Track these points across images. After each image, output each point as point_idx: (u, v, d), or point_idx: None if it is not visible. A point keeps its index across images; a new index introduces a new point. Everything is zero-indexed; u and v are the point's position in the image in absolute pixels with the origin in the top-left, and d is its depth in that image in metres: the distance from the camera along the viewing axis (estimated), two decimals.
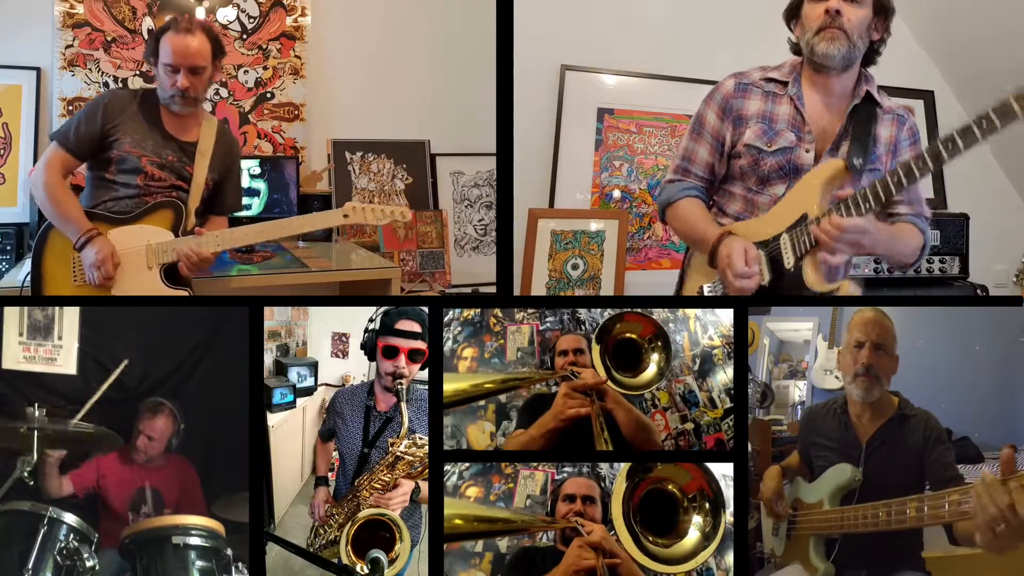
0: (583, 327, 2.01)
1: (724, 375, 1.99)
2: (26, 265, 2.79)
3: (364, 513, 1.92)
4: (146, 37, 3.32)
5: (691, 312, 2.01)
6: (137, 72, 3.33)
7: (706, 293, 2.04)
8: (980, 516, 1.47)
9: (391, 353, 1.96)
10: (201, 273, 2.33)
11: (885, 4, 1.94)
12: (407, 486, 1.95)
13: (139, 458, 2.18)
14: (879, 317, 1.91)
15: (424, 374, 1.99)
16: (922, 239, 2.01)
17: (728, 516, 1.85)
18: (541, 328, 2.01)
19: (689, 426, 1.98)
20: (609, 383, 1.86)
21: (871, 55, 1.99)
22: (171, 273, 2.26)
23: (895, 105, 2.03)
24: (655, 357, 1.90)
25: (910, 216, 2.02)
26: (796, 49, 2.02)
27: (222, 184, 2.41)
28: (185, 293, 2.27)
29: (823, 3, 1.90)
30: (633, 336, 1.90)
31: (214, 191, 2.39)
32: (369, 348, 2.00)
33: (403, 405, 1.92)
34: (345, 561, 1.85)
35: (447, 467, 1.94)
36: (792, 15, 2.02)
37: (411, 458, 1.93)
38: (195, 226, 2.31)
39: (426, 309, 2.00)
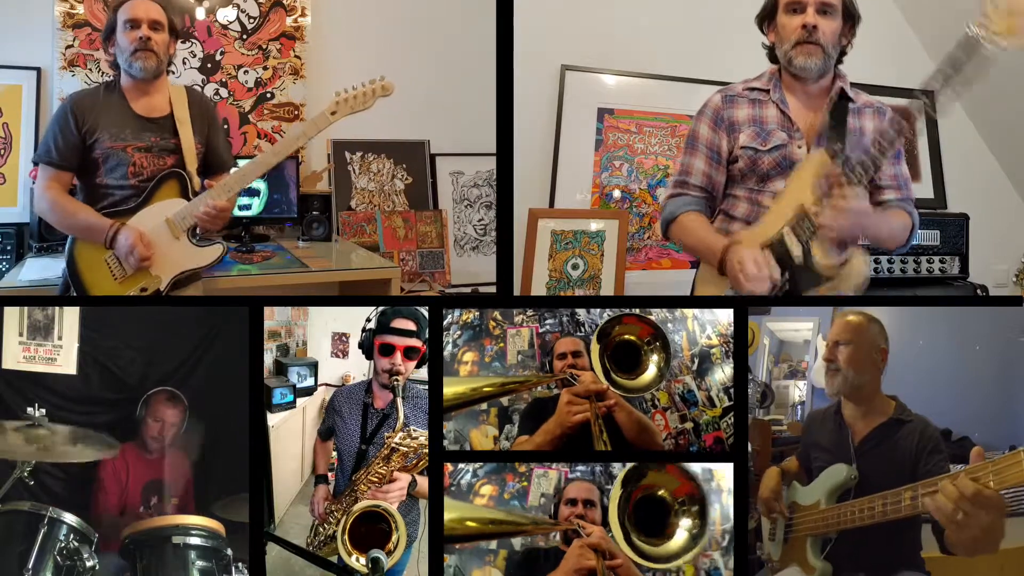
0: (582, 329, 2.02)
1: (722, 374, 2.01)
2: (27, 265, 2.80)
3: (360, 505, 1.92)
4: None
5: (688, 312, 2.03)
6: None
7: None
8: (940, 513, 1.57)
9: (387, 351, 1.98)
10: (224, 225, 2.35)
11: (852, 12, 2.02)
12: (404, 479, 1.96)
13: (154, 445, 2.21)
14: (851, 317, 1.96)
15: (421, 373, 2.01)
16: (911, 220, 2.11)
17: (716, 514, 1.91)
18: (541, 331, 2.02)
19: (688, 425, 1.99)
20: (610, 387, 1.87)
21: (840, 56, 2.09)
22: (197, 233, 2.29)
23: (870, 100, 2.12)
24: (654, 358, 1.92)
25: (897, 201, 2.12)
26: (771, 54, 2.12)
27: (210, 145, 2.40)
28: (220, 248, 2.29)
29: (800, 16, 1.98)
30: (632, 338, 1.92)
31: (205, 155, 2.39)
32: (366, 347, 2.02)
33: (399, 400, 1.94)
34: (342, 553, 1.86)
35: (460, 465, 1.96)
36: (764, 19, 2.11)
37: (405, 449, 1.94)
38: (201, 186, 2.32)
39: (424, 308, 2.01)
